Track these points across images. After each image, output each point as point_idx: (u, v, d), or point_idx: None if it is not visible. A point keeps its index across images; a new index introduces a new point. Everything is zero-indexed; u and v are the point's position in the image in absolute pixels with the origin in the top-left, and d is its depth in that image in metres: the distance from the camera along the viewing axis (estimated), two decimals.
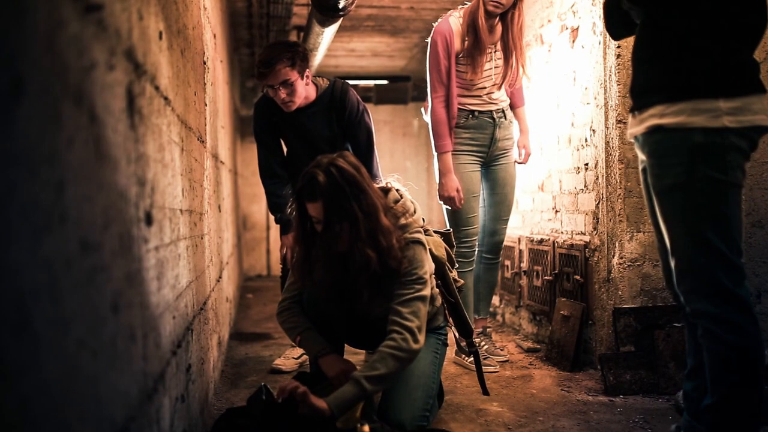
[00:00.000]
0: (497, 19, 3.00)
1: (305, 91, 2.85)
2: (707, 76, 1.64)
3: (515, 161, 3.21)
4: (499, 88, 3.08)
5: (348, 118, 2.91)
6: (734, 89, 1.63)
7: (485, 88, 3.05)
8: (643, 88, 1.74)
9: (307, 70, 2.84)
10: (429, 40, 3.04)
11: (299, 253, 2.13)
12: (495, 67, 3.05)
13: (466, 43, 2.98)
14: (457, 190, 3.00)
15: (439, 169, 3.04)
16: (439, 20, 3.04)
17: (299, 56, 2.77)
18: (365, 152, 2.92)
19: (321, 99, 2.91)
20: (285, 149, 3.10)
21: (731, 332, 1.65)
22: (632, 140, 1.83)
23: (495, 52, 3.04)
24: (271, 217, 7.61)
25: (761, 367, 1.66)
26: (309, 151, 2.86)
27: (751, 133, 1.65)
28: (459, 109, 3.03)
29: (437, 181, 3.07)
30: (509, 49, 3.02)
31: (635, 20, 1.80)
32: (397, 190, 2.22)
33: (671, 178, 1.69)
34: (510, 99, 3.19)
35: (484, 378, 2.44)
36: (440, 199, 3.06)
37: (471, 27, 2.96)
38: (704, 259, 1.67)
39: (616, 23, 1.90)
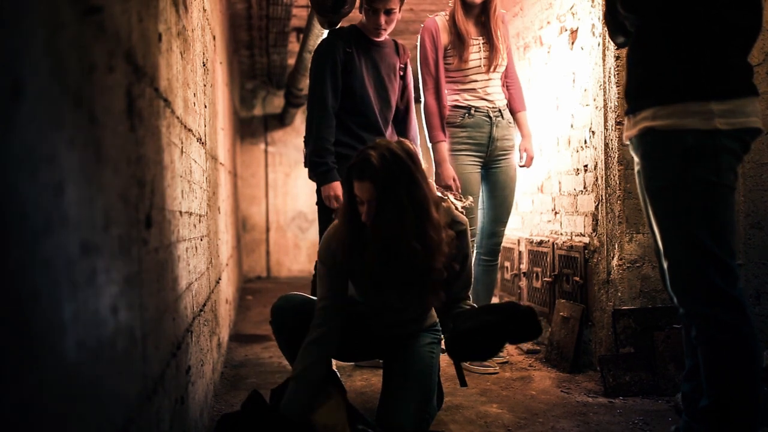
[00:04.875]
0: (479, 10, 3.09)
1: None
2: (699, 79, 1.64)
3: (518, 165, 3.22)
4: (488, 71, 3.10)
5: (407, 77, 3.11)
6: (726, 92, 1.64)
7: (477, 81, 3.10)
8: (637, 91, 1.75)
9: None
10: (418, 40, 3.18)
11: (342, 230, 2.04)
12: (483, 58, 3.10)
13: (452, 35, 3.11)
14: (454, 179, 3.05)
15: (435, 160, 3.09)
16: (426, 20, 3.18)
17: None
18: (408, 110, 3.13)
19: (389, 43, 3.07)
20: (350, 89, 2.98)
21: (725, 333, 1.65)
22: (627, 143, 1.83)
23: (484, 43, 3.10)
24: (271, 219, 7.65)
25: (757, 368, 1.66)
26: (377, 89, 2.97)
27: (743, 135, 1.66)
28: (455, 106, 3.11)
29: (433, 173, 3.10)
30: (491, 34, 3.10)
31: (630, 29, 1.81)
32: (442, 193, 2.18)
33: (663, 180, 1.70)
34: (510, 103, 3.21)
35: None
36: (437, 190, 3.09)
37: (453, 20, 3.10)
38: (696, 261, 1.67)
39: (617, 34, 1.91)
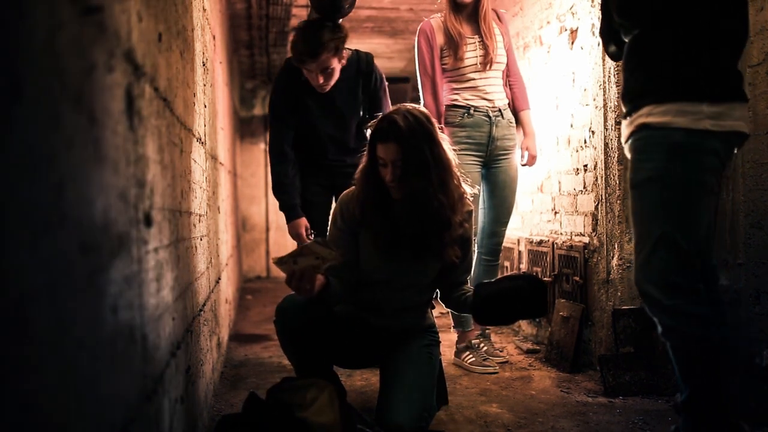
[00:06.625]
0: (472, 8, 3.10)
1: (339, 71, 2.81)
2: (693, 82, 1.69)
3: (520, 164, 3.22)
4: (485, 68, 3.10)
5: (374, 87, 2.94)
6: (718, 95, 1.68)
7: (475, 79, 3.09)
8: (634, 94, 1.78)
9: (345, 51, 2.80)
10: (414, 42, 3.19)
11: (363, 191, 2.13)
12: (480, 56, 3.10)
13: (446, 35, 3.12)
14: None
15: None
16: (422, 23, 3.19)
17: (342, 42, 2.74)
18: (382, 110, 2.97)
19: (348, 68, 2.87)
20: (303, 124, 2.94)
21: (688, 325, 1.67)
22: (624, 145, 1.86)
23: (480, 41, 3.12)
24: (271, 219, 7.64)
25: (726, 359, 1.67)
26: (332, 122, 2.89)
27: (730, 137, 1.70)
28: (454, 105, 3.10)
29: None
30: (483, 32, 3.11)
31: (624, 38, 1.83)
32: None
33: (646, 172, 1.73)
34: (513, 102, 3.20)
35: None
36: None
37: (445, 21, 3.12)
38: (664, 254, 1.69)
39: (611, 43, 1.94)
